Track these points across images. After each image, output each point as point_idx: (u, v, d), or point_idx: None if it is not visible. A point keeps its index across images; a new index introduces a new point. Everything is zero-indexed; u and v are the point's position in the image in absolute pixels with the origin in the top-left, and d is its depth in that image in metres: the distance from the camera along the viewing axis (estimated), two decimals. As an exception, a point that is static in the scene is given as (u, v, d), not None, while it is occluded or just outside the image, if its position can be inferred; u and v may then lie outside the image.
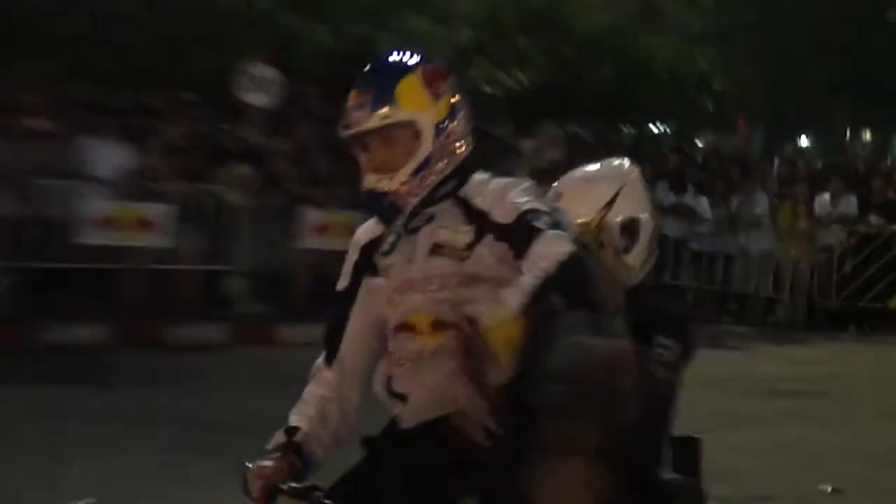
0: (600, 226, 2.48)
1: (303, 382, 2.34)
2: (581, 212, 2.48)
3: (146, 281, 8.64)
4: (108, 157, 8.66)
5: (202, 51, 10.27)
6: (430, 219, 2.27)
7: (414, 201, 2.27)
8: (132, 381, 7.57)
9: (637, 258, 2.53)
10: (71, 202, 8.36)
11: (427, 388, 2.19)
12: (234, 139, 9.12)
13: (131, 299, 8.56)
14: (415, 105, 2.26)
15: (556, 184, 2.63)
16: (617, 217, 2.49)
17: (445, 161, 2.32)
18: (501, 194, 2.29)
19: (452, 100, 2.35)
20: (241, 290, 8.79)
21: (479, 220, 2.26)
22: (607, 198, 2.53)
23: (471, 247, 2.24)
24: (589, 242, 2.43)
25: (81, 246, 8.35)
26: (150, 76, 10.24)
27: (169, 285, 8.85)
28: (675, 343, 2.36)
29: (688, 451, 2.49)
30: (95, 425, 6.16)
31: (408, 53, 2.38)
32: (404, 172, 2.24)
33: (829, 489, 5.05)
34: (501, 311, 2.08)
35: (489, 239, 2.22)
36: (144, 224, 8.40)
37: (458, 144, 2.36)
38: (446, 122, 2.32)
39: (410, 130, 2.22)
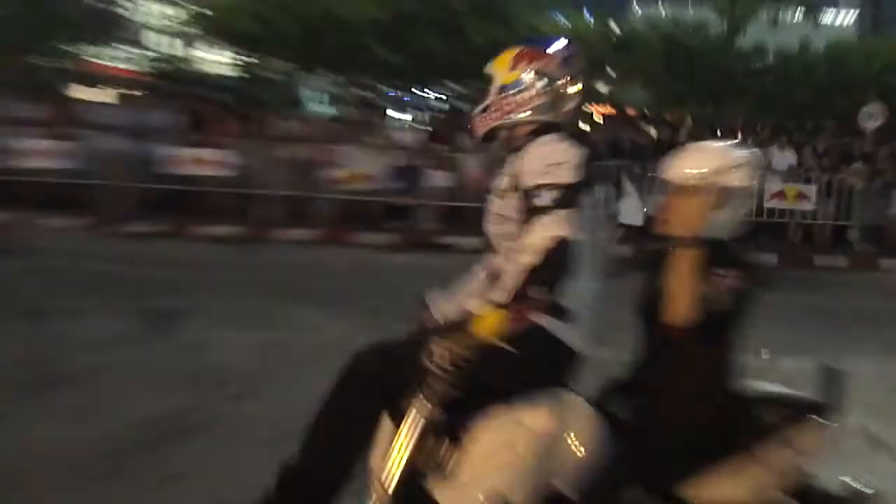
0: (707, 181, 3.05)
1: None
2: (702, 164, 3.07)
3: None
4: (784, 159, 15.07)
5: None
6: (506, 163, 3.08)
7: (479, 135, 3.22)
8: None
9: (724, 216, 3.08)
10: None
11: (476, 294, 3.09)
12: (856, 147, 15.51)
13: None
14: (497, 69, 3.16)
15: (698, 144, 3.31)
16: (722, 181, 3.05)
17: (498, 114, 3.15)
18: (538, 161, 2.98)
19: (525, 75, 3.12)
20: (857, 237, 14.24)
21: (517, 176, 2.96)
22: (724, 165, 3.07)
23: (506, 193, 2.97)
24: (693, 188, 3.03)
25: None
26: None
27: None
28: (732, 272, 2.98)
29: (832, 380, 3.09)
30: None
31: (537, 39, 3.51)
32: (474, 111, 3.19)
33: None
34: (488, 308, 2.81)
35: (518, 193, 2.91)
36: (801, 196, 14.22)
37: (515, 106, 3.13)
38: (510, 88, 3.11)
39: (491, 85, 3.15)
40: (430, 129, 16.28)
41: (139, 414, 5.78)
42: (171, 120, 14.55)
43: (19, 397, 5.94)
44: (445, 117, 16.85)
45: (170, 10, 20.39)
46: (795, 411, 3.17)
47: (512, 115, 3.14)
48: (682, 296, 2.92)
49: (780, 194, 13.81)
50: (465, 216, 12.75)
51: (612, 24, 20.59)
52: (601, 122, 17.38)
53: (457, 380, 2.81)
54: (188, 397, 6.31)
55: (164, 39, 20.83)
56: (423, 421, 2.84)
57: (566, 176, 2.89)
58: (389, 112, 19.56)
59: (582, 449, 2.99)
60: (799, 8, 21.32)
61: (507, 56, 3.20)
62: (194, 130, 14.34)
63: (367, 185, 13.43)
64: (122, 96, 17.32)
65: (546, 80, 3.14)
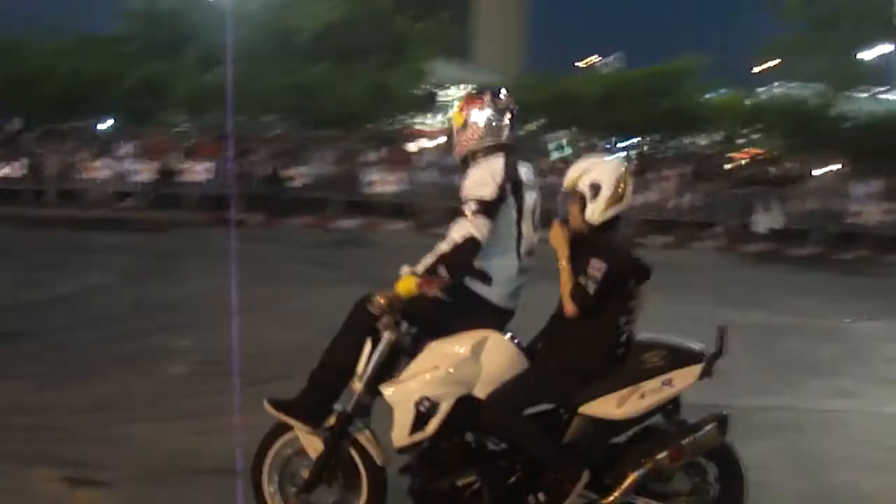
0: (576, 183, 4.21)
1: None
2: (573, 171, 4.25)
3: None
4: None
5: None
6: None
7: (459, 160, 4.44)
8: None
9: (594, 209, 4.16)
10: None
11: None
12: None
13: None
14: (453, 117, 4.48)
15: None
16: (584, 181, 4.19)
17: (460, 147, 4.42)
18: (471, 180, 4.24)
19: (467, 117, 4.37)
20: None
21: (462, 188, 4.17)
22: (589, 168, 4.24)
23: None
24: (572, 191, 4.19)
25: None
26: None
27: None
28: (597, 261, 4.04)
29: (721, 337, 4.12)
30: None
31: (479, 90, 4.55)
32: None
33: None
34: (409, 272, 4.11)
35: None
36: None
37: (466, 139, 4.38)
38: (461, 128, 4.40)
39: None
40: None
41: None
42: None
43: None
44: (640, 159, 23.44)
45: (463, 90, 28.57)
46: (677, 358, 4.21)
47: (466, 146, 4.42)
48: (564, 285, 4.18)
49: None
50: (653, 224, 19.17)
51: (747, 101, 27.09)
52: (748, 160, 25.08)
53: (391, 318, 4.14)
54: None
55: (461, 111, 29.02)
56: (386, 343, 4.21)
57: (487, 194, 4.18)
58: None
59: (499, 369, 4.21)
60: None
61: (458, 106, 4.52)
62: None
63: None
64: (434, 147, 24.23)
65: (483, 117, 4.41)
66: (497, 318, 4.33)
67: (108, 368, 7.67)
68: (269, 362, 7.39)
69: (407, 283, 4.10)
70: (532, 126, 26.50)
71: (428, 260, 4.15)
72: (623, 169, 4.35)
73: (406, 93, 26.99)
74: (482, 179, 4.19)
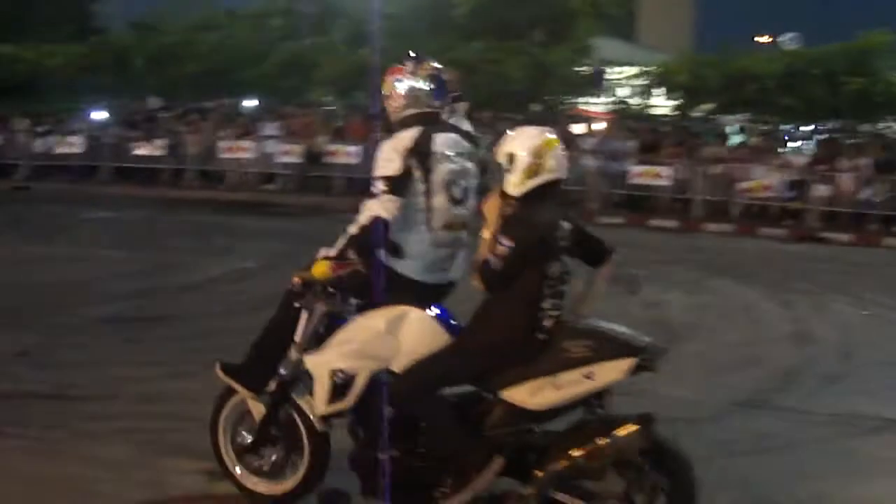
0: (499, 154, 4.33)
1: None
2: (502, 140, 4.36)
3: None
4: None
5: None
6: None
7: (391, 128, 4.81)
8: None
9: (513, 179, 4.28)
10: None
11: None
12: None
13: None
14: (382, 85, 4.85)
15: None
16: (502, 151, 4.32)
17: (387, 113, 4.84)
18: (379, 157, 4.58)
19: (391, 85, 4.80)
20: None
21: None
22: (509, 139, 4.36)
23: None
24: (497, 164, 4.32)
25: None
26: None
27: None
28: (506, 240, 4.15)
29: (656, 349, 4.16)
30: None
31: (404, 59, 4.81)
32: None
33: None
34: (323, 255, 4.48)
35: None
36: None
37: (392, 107, 4.80)
38: (386, 95, 4.82)
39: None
40: (814, 153, 21.71)
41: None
42: (631, 146, 20.80)
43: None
44: (825, 145, 22.24)
45: (630, 70, 28.14)
46: (604, 350, 4.10)
47: (393, 114, 4.83)
48: (476, 261, 4.36)
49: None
50: (841, 218, 18.29)
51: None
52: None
53: (310, 297, 4.57)
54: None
55: (626, 91, 28.29)
56: (319, 314, 4.64)
57: (392, 170, 4.48)
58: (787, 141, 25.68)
59: (416, 345, 4.41)
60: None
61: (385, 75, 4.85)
62: (645, 153, 20.50)
63: (768, 193, 18.81)
64: (598, 130, 23.41)
65: (404, 86, 4.80)
66: (416, 291, 4.55)
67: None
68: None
69: (321, 267, 4.43)
70: (702, 109, 25.86)
71: (340, 243, 4.47)
72: (542, 139, 4.36)
73: (570, 71, 26.74)
74: (387, 156, 4.50)
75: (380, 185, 4.45)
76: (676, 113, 26.61)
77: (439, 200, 4.60)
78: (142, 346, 8.21)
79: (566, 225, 4.43)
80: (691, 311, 10.33)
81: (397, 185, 4.46)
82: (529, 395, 4.21)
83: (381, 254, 4.54)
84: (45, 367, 7.38)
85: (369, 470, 4.50)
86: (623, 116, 25.47)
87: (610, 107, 27.76)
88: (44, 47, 32.72)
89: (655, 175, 19.66)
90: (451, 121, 5.02)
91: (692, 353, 8.42)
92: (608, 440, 4.13)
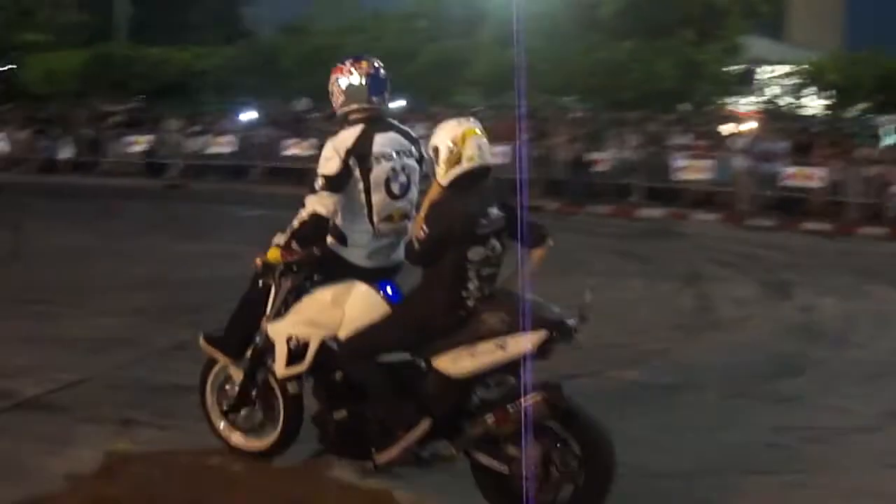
0: (430, 146, 4.80)
1: None
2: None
3: None
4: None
5: None
6: None
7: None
8: None
9: (440, 170, 4.74)
10: None
11: None
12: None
13: None
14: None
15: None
16: (432, 143, 4.76)
17: (333, 109, 5.29)
18: (322, 154, 5.04)
19: (333, 82, 5.18)
20: None
21: None
22: (434, 132, 4.80)
23: None
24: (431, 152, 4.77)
25: None
26: None
27: None
28: (425, 226, 4.62)
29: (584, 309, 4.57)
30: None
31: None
32: None
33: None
34: (276, 243, 5.05)
35: None
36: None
37: (335, 105, 5.23)
38: (329, 92, 5.21)
39: None
40: None
41: (768, 352, 8.35)
42: (782, 146, 20.36)
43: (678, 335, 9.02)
44: None
45: (780, 69, 27.43)
46: (517, 323, 4.46)
47: (337, 110, 5.26)
48: (406, 241, 4.95)
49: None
50: None
51: None
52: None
53: (268, 277, 5.15)
54: (797, 345, 8.73)
55: (776, 90, 27.60)
56: (284, 288, 5.16)
57: (330, 169, 4.96)
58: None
59: (359, 315, 4.93)
60: None
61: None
62: (798, 154, 20.10)
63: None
64: (749, 130, 22.96)
65: (344, 83, 5.18)
66: (361, 275, 5.09)
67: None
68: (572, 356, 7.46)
69: (273, 253, 5.04)
70: (855, 109, 25.05)
71: (287, 233, 5.05)
72: (461, 130, 4.78)
73: (719, 70, 26.23)
74: (328, 154, 4.99)
75: (319, 182, 4.98)
76: (828, 112, 25.78)
77: (379, 196, 5.09)
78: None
79: (494, 212, 4.79)
80: (846, 317, 10.10)
81: (334, 183, 4.97)
82: (451, 363, 4.63)
83: (330, 241, 5.15)
84: (201, 361, 7.62)
85: (325, 427, 5.12)
86: (773, 116, 24.94)
87: (760, 106, 27.09)
88: (196, 50, 33.92)
89: (808, 177, 19.21)
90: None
91: (847, 361, 8.30)
92: (515, 407, 4.54)
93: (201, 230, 16.13)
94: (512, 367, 4.60)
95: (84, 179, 24.82)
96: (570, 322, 4.59)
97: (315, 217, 4.99)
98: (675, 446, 5.90)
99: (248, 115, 27.65)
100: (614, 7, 27.08)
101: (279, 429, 5.47)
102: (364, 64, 5.21)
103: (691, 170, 20.34)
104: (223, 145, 24.77)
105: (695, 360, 8.04)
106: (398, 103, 29.54)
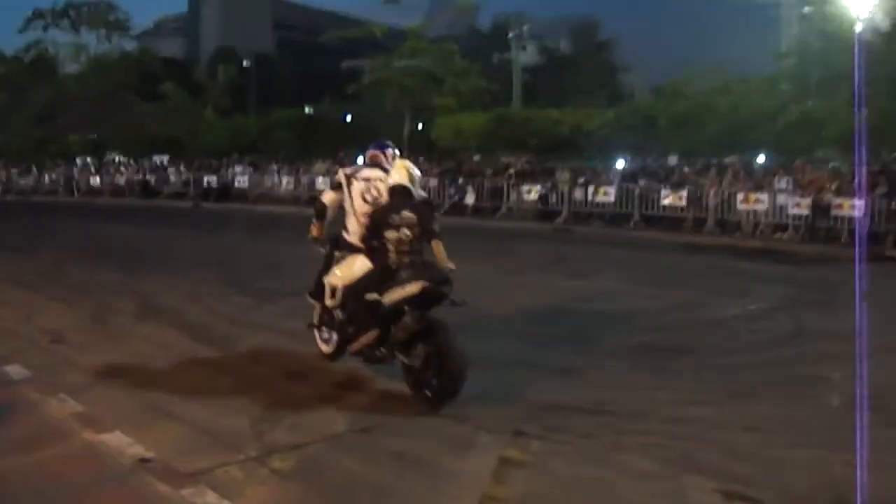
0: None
1: None
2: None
3: None
4: None
5: None
6: None
7: None
8: None
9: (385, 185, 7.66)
10: None
11: None
12: None
13: None
14: None
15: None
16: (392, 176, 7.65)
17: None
18: (334, 174, 10.31)
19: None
20: None
21: None
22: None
23: None
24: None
25: None
26: None
27: None
28: (369, 217, 7.52)
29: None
30: None
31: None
32: None
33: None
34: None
35: None
36: None
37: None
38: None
39: None
40: None
41: None
42: None
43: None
44: None
45: None
46: (412, 275, 7.03)
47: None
48: None
49: None
50: None
51: None
52: None
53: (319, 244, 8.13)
54: None
55: None
56: (326, 261, 8.11)
57: (331, 184, 8.30)
58: None
59: (357, 273, 7.50)
60: None
61: None
62: None
63: None
64: None
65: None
66: (357, 250, 7.70)
67: (764, 391, 7.65)
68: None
69: (312, 227, 8.17)
70: None
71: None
72: (396, 164, 7.88)
73: None
74: (335, 176, 8.84)
75: (327, 189, 8.43)
76: None
77: (358, 202, 7.76)
78: (668, 373, 8.30)
79: (407, 213, 7.35)
80: None
81: (332, 188, 8.13)
82: (386, 297, 7.12)
83: (343, 233, 7.91)
84: (586, 385, 7.73)
85: (343, 336, 7.87)
86: None
87: None
88: (583, 111, 34.95)
89: None
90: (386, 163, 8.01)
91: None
92: (401, 323, 7.11)
93: (585, 269, 16.41)
94: (422, 303, 7.05)
95: (484, 222, 26.24)
96: (449, 283, 7.15)
97: (317, 201, 8.27)
98: None
99: (628, 169, 27.90)
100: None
101: (336, 341, 8.03)
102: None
103: None
104: (606, 195, 25.14)
105: None
106: (761, 159, 28.78)
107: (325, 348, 8.18)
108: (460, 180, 28.89)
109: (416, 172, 7.61)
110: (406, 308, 7.00)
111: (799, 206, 21.60)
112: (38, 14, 52.73)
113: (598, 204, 25.40)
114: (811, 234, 21.39)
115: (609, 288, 13.62)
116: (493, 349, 8.95)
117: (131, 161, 45.56)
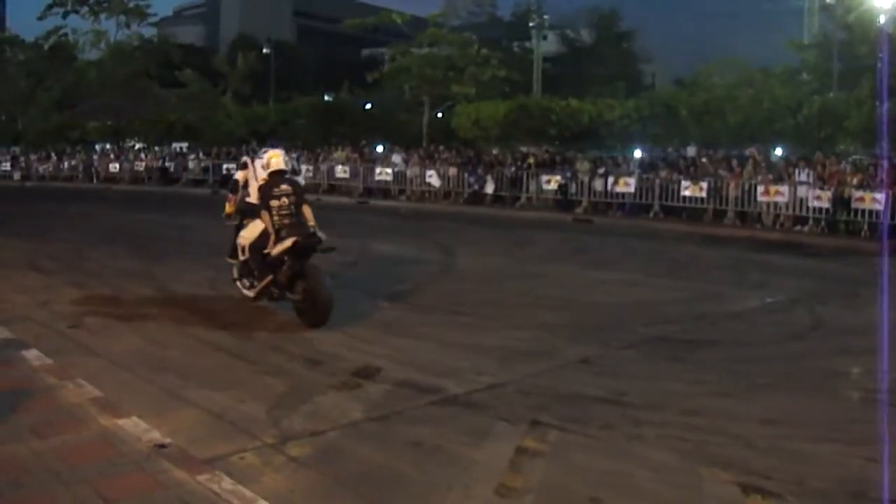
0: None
1: None
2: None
3: None
4: None
5: None
6: None
7: None
8: None
9: (263, 171, 10.28)
10: None
11: None
12: None
13: None
14: None
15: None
16: (265, 161, 10.28)
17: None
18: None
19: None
20: None
21: None
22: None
23: None
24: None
25: None
26: None
27: None
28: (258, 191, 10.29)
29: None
30: None
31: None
32: None
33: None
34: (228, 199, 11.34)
35: None
36: None
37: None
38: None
39: None
40: None
41: None
42: None
43: None
44: None
45: None
46: (289, 233, 9.52)
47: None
48: None
49: None
50: None
51: None
52: None
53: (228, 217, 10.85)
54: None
55: None
56: (238, 225, 10.67)
57: (240, 165, 11.68)
58: None
59: (257, 232, 9.98)
60: None
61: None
62: None
63: None
64: None
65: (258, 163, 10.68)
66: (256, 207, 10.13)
67: (782, 384, 7.60)
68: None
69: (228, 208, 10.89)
70: None
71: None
72: (271, 153, 10.34)
73: None
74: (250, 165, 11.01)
75: (240, 167, 11.20)
76: None
77: (259, 171, 10.26)
78: (687, 364, 8.27)
79: (285, 186, 9.84)
80: None
81: (240, 169, 11.01)
82: (273, 250, 9.53)
83: (248, 199, 10.48)
84: (604, 375, 7.71)
85: (251, 280, 10.27)
86: None
87: None
88: (603, 102, 34.83)
89: None
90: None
91: None
92: (283, 269, 9.51)
93: (605, 260, 16.43)
94: (298, 253, 9.41)
95: (503, 211, 26.20)
96: (315, 236, 9.49)
97: (233, 180, 11.02)
98: None
99: (649, 160, 27.80)
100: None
101: (259, 286, 9.98)
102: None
103: None
104: (626, 185, 25.10)
105: None
106: (777, 151, 28.66)
107: (248, 293, 10.25)
108: (480, 170, 28.82)
109: (287, 159, 10.49)
110: (285, 258, 9.39)
111: (820, 199, 21.50)
112: (57, 1, 52.84)
113: (618, 194, 25.30)
114: (832, 227, 21.32)
115: (628, 279, 13.60)
116: (511, 339, 8.96)
117: (151, 148, 45.70)
